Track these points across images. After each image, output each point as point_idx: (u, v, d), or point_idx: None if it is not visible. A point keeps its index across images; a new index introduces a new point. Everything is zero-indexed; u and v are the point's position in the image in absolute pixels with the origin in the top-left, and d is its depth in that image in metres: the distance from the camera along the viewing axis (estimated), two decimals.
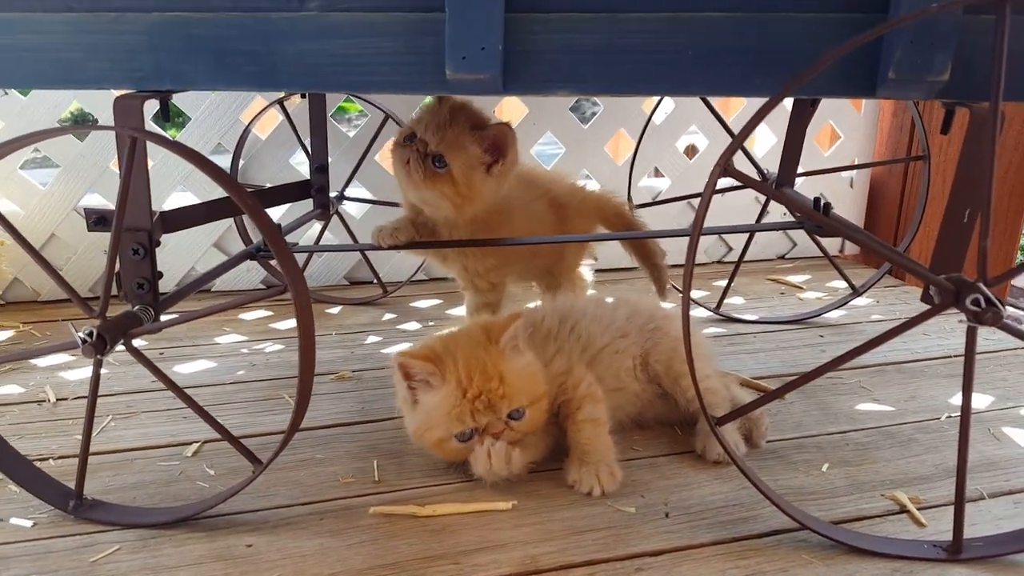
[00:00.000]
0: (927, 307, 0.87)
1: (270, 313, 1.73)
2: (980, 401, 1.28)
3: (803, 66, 0.83)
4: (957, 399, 1.29)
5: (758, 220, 1.78)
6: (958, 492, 0.86)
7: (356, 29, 0.86)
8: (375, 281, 1.86)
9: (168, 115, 1.04)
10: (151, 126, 1.70)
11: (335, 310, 1.77)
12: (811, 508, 0.97)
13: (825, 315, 1.69)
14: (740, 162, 1.59)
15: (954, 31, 0.81)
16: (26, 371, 1.40)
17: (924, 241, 1.91)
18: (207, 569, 0.87)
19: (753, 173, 1.76)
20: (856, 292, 1.68)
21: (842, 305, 1.71)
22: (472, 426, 0.98)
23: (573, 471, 1.02)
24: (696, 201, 2.05)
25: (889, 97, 0.86)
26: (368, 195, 1.88)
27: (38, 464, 1.01)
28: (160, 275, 0.99)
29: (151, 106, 1.27)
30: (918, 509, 0.98)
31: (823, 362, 0.86)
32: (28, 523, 0.95)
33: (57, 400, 1.28)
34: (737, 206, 2.05)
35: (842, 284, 1.88)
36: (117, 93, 0.94)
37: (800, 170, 1.47)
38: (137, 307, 0.96)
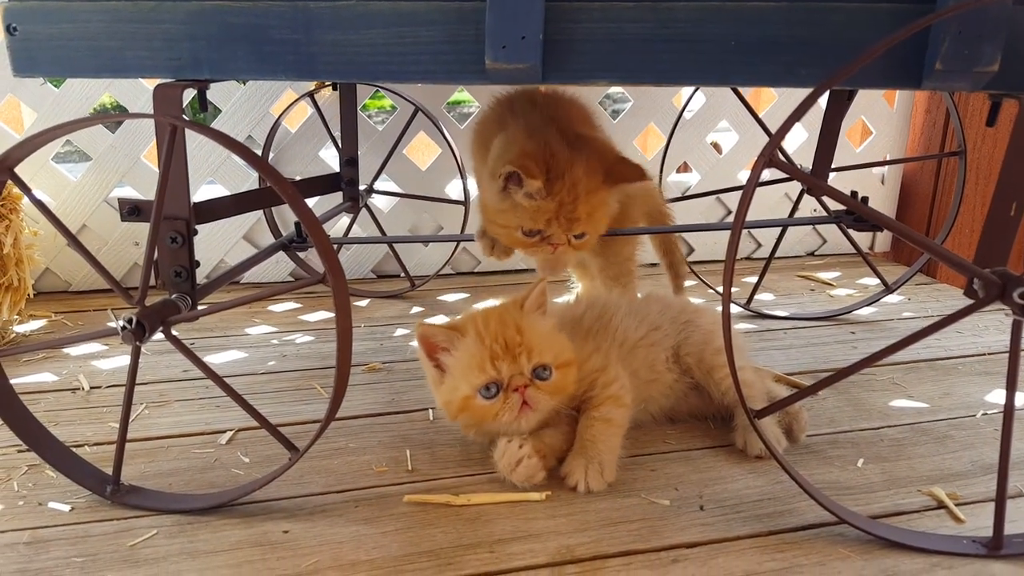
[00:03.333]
0: (964, 302, 0.86)
1: (299, 305, 1.74)
2: (1016, 398, 1.26)
3: (848, 57, 0.82)
4: (992, 396, 1.28)
5: (790, 216, 1.77)
6: (999, 487, 0.85)
7: (396, 18, 0.86)
8: (403, 275, 1.87)
9: (206, 104, 1.04)
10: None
11: (363, 303, 1.77)
12: (847, 503, 0.96)
13: (856, 312, 1.68)
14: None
15: (1004, 22, 0.80)
16: (59, 359, 1.41)
17: (954, 237, 1.89)
18: (244, 554, 0.87)
19: None
20: (888, 289, 1.67)
21: (873, 302, 1.69)
22: (493, 376, 0.96)
23: (567, 462, 1.01)
24: (725, 196, 2.04)
25: (935, 88, 0.85)
26: (397, 188, 1.89)
27: (74, 450, 1.02)
28: (197, 264, 0.99)
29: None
30: (956, 505, 0.97)
31: (855, 359, 0.85)
32: (66, 507, 0.96)
33: (91, 388, 1.30)
34: (767, 202, 2.04)
35: (872, 281, 1.86)
36: (150, 85, 0.95)
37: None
38: (175, 295, 0.97)
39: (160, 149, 0.92)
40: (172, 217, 0.96)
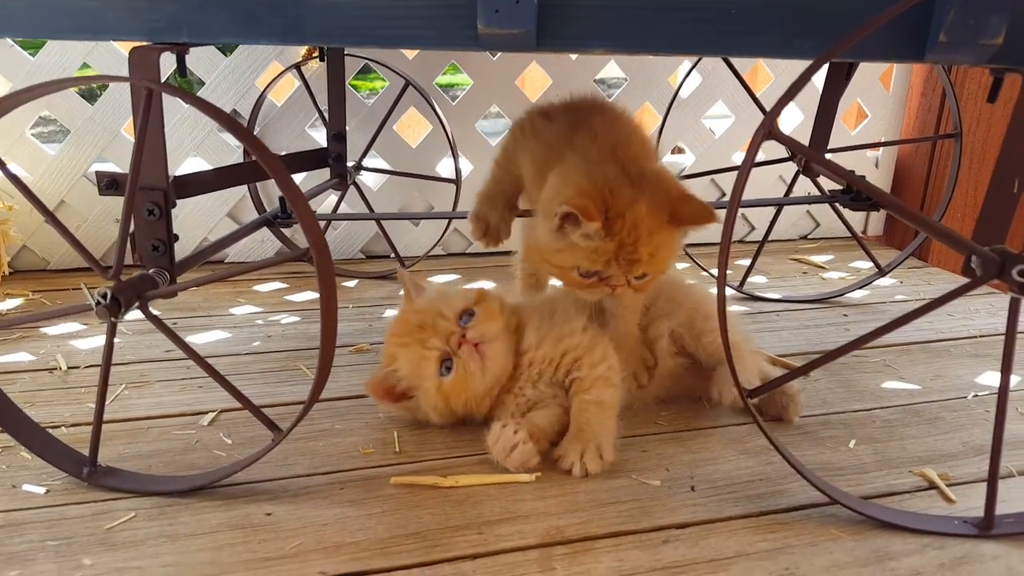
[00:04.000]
0: (955, 286, 0.85)
1: (285, 285, 1.71)
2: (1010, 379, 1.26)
3: (849, 28, 0.79)
4: (983, 378, 1.27)
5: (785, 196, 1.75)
6: (992, 467, 0.84)
7: None
8: (392, 255, 1.84)
9: (184, 70, 1.00)
10: None
11: (352, 283, 1.75)
12: (839, 484, 0.95)
13: (848, 295, 1.67)
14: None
15: None
16: (36, 339, 1.38)
17: (947, 220, 1.87)
18: (226, 537, 0.85)
19: (781, 150, 1.73)
20: (881, 271, 1.66)
21: (866, 285, 1.68)
22: (438, 353, 1.00)
23: (562, 445, 1.00)
24: (720, 178, 2.02)
25: (938, 61, 0.82)
26: (386, 165, 1.85)
27: (50, 431, 0.98)
28: (176, 237, 0.96)
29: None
30: (947, 486, 0.96)
31: (848, 341, 0.84)
32: (41, 490, 0.93)
33: (68, 368, 1.26)
34: (762, 184, 2.02)
35: (865, 264, 1.85)
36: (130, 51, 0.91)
37: None
38: (153, 270, 0.94)
39: (136, 115, 0.88)
40: (149, 187, 0.92)
